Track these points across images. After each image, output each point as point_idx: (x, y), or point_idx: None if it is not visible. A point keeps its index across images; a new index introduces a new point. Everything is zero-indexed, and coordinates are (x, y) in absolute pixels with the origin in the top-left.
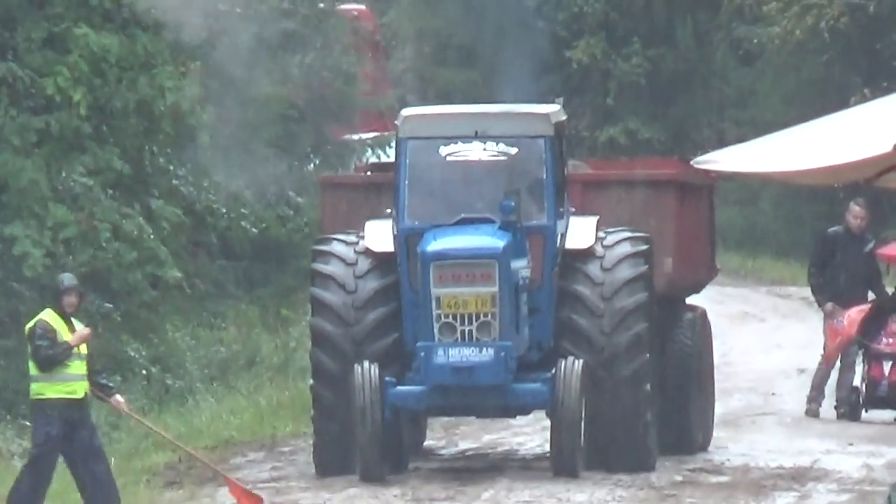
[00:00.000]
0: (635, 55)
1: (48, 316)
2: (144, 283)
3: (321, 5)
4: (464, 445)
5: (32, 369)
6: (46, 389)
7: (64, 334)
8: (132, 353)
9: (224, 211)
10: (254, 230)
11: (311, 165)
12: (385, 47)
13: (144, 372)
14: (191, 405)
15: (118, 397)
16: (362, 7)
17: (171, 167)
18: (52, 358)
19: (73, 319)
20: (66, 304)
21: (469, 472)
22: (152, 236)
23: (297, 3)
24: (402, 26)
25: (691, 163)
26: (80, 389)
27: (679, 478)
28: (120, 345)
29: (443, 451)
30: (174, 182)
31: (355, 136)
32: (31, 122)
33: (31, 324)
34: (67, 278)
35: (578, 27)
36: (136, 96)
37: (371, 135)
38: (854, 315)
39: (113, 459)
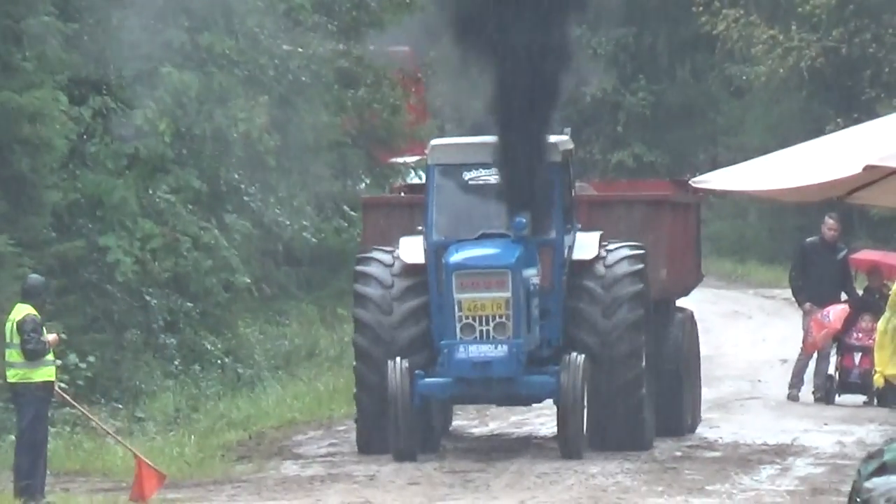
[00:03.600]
0: (641, 90)
1: (33, 311)
2: (219, 286)
3: (371, 47)
4: (493, 425)
5: (15, 356)
6: (33, 374)
7: (44, 328)
8: (209, 346)
9: (288, 223)
10: (313, 240)
11: (363, 185)
12: (426, 83)
13: (219, 362)
14: (259, 390)
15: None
16: (406, 48)
17: (243, 186)
18: (40, 351)
19: None
20: (42, 301)
21: (498, 449)
22: (226, 246)
23: (351, 46)
24: (441, 66)
25: (690, 183)
26: (53, 374)
27: (678, 453)
28: (198, 339)
29: (475, 431)
30: (245, 199)
31: (400, 160)
32: (122, 148)
33: (18, 317)
34: (44, 280)
35: (592, 66)
36: (212, 125)
37: (414, 158)
38: (839, 311)
39: (193, 437)
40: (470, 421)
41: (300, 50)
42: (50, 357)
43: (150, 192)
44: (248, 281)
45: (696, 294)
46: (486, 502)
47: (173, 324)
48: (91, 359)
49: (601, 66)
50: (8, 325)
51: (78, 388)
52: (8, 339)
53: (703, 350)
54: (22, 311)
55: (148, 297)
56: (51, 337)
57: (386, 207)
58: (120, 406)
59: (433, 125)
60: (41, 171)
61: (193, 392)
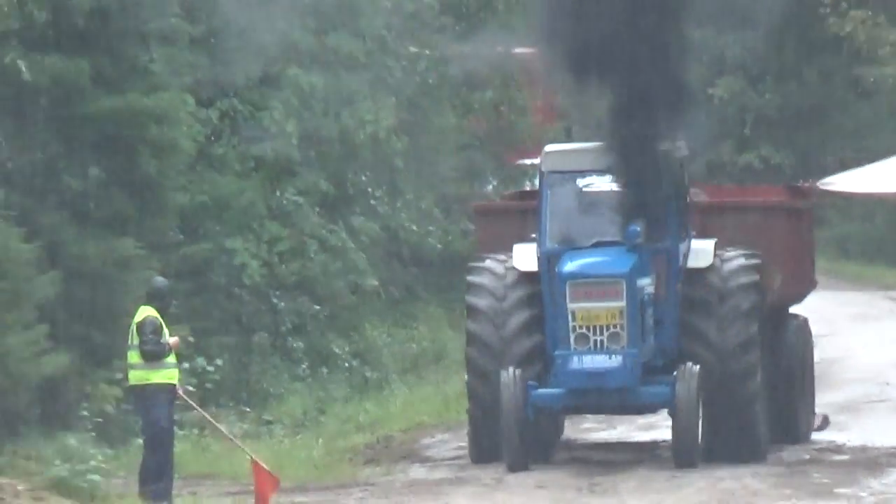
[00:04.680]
0: (768, 91)
1: (154, 313)
2: (346, 289)
3: (499, 49)
4: (621, 428)
5: (135, 358)
6: (152, 376)
7: (166, 331)
8: (336, 349)
9: (414, 228)
10: (438, 245)
11: (490, 186)
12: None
13: (347, 365)
14: (387, 393)
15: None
16: (534, 50)
17: (370, 188)
18: (158, 353)
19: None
20: (166, 304)
21: (626, 452)
22: (353, 248)
23: (479, 48)
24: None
25: (817, 184)
26: (175, 376)
27: (807, 456)
28: (326, 341)
29: (602, 435)
30: (372, 202)
31: (527, 161)
32: (249, 150)
33: (139, 318)
34: (168, 283)
35: (720, 68)
36: (339, 127)
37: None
38: None
39: (320, 440)
40: (598, 424)
41: (427, 52)
42: (171, 359)
43: (277, 194)
44: (376, 283)
45: (824, 296)
46: None
47: (301, 326)
48: (219, 362)
49: (728, 68)
50: (131, 327)
51: (206, 392)
52: (130, 341)
53: (831, 353)
54: (143, 312)
55: (275, 300)
56: (172, 340)
57: (498, 215)
58: (248, 409)
59: (560, 127)
60: (168, 173)
61: (321, 395)
